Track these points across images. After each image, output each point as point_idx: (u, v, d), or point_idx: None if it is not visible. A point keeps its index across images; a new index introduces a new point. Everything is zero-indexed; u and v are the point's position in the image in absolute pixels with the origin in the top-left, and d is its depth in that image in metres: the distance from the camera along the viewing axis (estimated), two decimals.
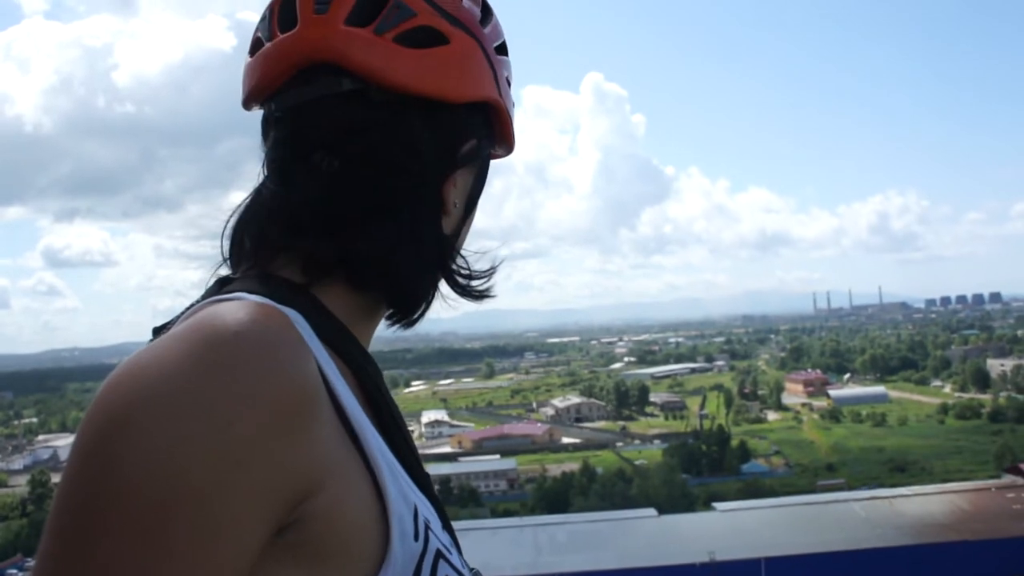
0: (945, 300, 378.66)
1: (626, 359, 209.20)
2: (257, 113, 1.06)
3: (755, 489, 64.36)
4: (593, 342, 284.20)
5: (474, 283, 1.10)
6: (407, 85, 0.97)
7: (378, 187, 0.97)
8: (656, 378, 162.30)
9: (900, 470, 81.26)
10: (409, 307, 1.03)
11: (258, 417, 0.73)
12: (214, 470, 0.70)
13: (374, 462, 0.86)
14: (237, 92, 1.03)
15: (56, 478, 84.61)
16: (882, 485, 54.37)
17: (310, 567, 0.79)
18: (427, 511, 0.93)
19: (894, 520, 21.53)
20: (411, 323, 1.06)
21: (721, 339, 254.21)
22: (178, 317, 0.91)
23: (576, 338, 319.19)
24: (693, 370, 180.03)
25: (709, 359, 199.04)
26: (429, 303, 1.05)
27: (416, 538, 0.87)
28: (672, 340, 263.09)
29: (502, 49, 1.12)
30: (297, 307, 0.88)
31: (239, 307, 0.81)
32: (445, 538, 0.95)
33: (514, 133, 1.12)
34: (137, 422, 0.71)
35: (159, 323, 0.93)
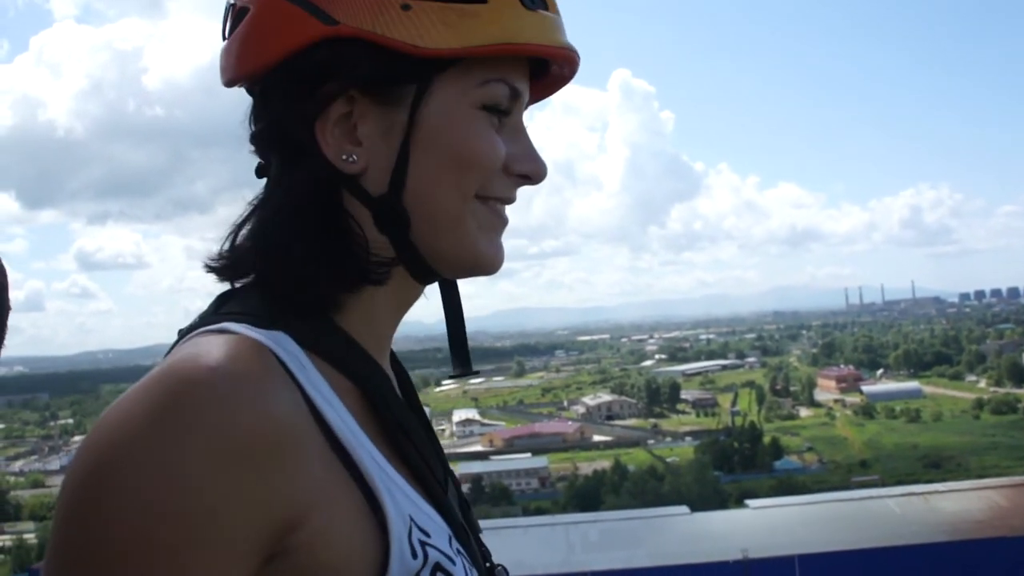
0: (979, 294, 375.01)
1: (657, 356, 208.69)
2: None
3: (788, 486, 64.17)
4: (623, 340, 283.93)
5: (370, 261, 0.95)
6: (237, 76, 0.97)
7: (269, 173, 0.99)
8: (687, 375, 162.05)
9: (935, 466, 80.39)
10: (284, 289, 0.92)
11: (223, 467, 0.73)
12: (183, 526, 0.71)
13: (372, 484, 0.85)
14: None
15: None
16: (917, 482, 53.81)
17: None
18: (428, 522, 0.91)
19: (929, 517, 21.33)
20: (302, 309, 0.92)
21: (752, 335, 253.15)
22: (196, 322, 0.92)
23: (606, 336, 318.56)
24: (724, 367, 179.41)
25: (740, 356, 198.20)
26: (306, 279, 0.91)
27: (415, 556, 0.86)
28: (703, 337, 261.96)
29: None
30: (288, 326, 0.88)
31: (205, 350, 0.80)
32: (449, 548, 0.91)
33: (403, 42, 0.90)
34: (104, 490, 0.72)
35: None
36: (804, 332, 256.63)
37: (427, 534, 0.89)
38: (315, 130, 0.93)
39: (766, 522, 22.94)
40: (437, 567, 0.88)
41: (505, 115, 0.98)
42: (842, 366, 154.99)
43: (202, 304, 0.93)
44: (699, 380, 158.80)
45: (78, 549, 0.72)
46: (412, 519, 0.88)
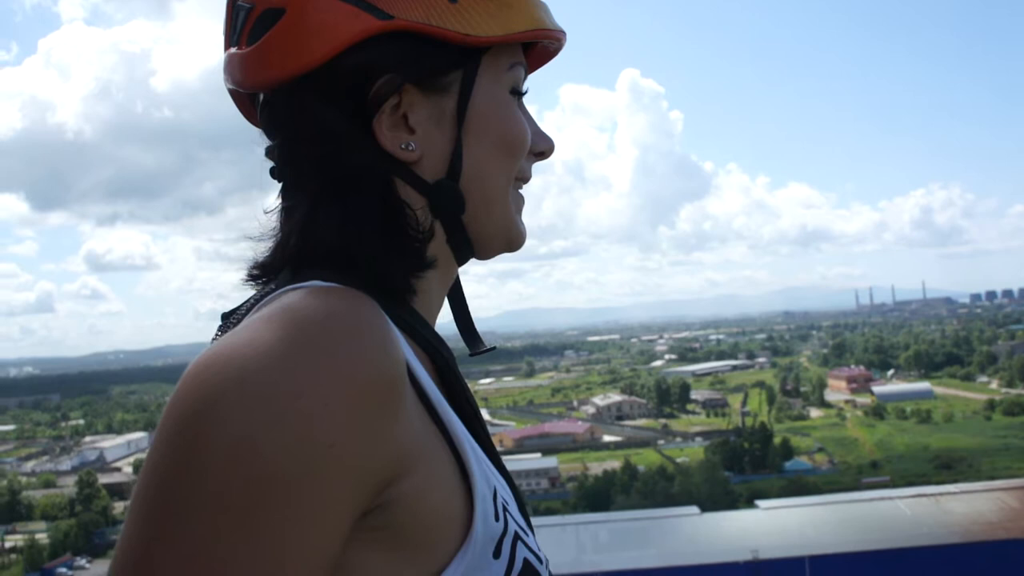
0: (991, 294, 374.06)
1: (667, 357, 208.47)
2: None
3: (798, 487, 63.90)
4: (633, 340, 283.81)
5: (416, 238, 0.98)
6: (268, 80, 0.95)
7: (308, 171, 0.96)
8: (697, 375, 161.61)
9: (946, 467, 79.99)
10: (366, 271, 0.93)
11: (350, 399, 0.73)
12: (305, 453, 0.70)
13: (458, 443, 0.87)
14: None
15: (103, 479, 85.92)
16: (928, 483, 53.63)
17: (391, 550, 0.80)
18: (505, 493, 0.94)
19: (941, 518, 21.27)
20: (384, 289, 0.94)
21: (762, 336, 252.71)
22: (249, 302, 0.94)
23: (616, 336, 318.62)
24: (734, 367, 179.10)
25: (751, 356, 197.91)
26: (376, 259, 0.94)
27: (497, 519, 0.87)
28: (713, 337, 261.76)
29: None
30: (369, 293, 0.88)
31: (327, 291, 0.82)
32: (521, 520, 0.96)
33: (456, 31, 0.95)
34: (228, 404, 0.70)
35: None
36: (814, 332, 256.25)
37: (507, 501, 0.92)
38: (373, 123, 0.94)
39: (776, 523, 22.90)
40: (516, 537, 0.90)
41: (521, 96, 1.05)
42: (853, 367, 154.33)
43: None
44: (709, 380, 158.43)
45: (188, 471, 0.69)
46: (496, 486, 0.91)
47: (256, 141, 1.01)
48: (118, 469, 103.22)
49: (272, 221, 1.01)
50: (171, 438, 0.71)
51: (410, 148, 0.96)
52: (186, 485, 0.69)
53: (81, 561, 64.85)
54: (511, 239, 1.07)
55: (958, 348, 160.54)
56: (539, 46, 1.10)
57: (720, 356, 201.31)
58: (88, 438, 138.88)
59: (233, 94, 1.07)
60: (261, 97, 1.01)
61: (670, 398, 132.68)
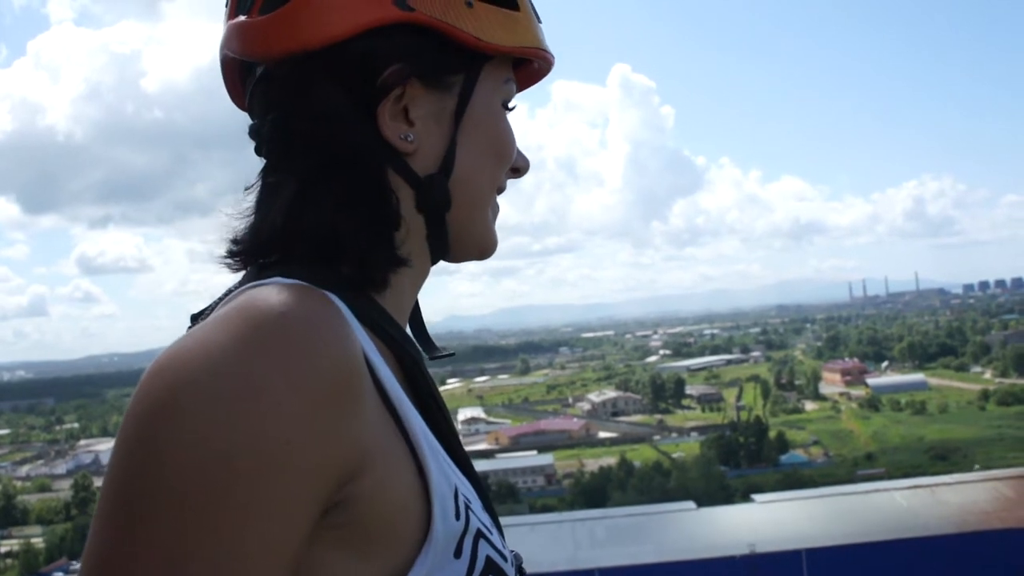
0: (983, 285, 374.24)
1: (661, 352, 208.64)
2: None
3: (794, 480, 63.88)
4: (628, 336, 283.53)
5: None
6: (279, 51, 0.94)
7: (299, 150, 0.95)
8: (692, 370, 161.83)
9: (941, 458, 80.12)
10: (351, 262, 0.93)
11: (305, 397, 0.73)
12: (262, 451, 0.70)
13: (416, 441, 0.86)
14: None
15: (99, 482, 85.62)
16: (923, 474, 53.65)
17: (352, 548, 0.79)
18: (467, 491, 0.93)
19: (936, 509, 21.27)
20: (364, 284, 0.94)
21: (756, 330, 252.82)
22: (216, 303, 0.92)
23: (611, 332, 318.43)
24: (729, 362, 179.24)
25: (745, 350, 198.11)
26: (364, 249, 0.93)
27: (457, 517, 0.86)
28: (707, 332, 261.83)
29: None
30: (333, 288, 0.87)
31: (281, 289, 0.81)
32: (486, 518, 0.95)
33: (469, 34, 0.97)
34: (183, 405, 0.70)
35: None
36: (808, 325, 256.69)
37: (468, 500, 0.91)
38: (376, 110, 0.94)
39: (772, 516, 22.87)
40: (479, 533, 0.89)
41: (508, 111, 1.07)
42: (847, 359, 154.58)
43: (206, 306, 0.95)
44: (704, 375, 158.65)
45: (147, 472, 0.69)
46: (456, 485, 0.89)
47: (249, 139, 1.00)
48: None
49: (251, 199, 1.00)
50: (129, 440, 0.71)
51: (409, 139, 0.96)
52: (145, 486, 0.69)
53: (77, 565, 64.46)
54: (486, 246, 1.08)
55: (952, 339, 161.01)
56: (527, 69, 1.12)
57: (714, 351, 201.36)
58: (83, 441, 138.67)
59: (225, 66, 1.05)
60: (257, 72, 0.99)
61: (665, 393, 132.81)
